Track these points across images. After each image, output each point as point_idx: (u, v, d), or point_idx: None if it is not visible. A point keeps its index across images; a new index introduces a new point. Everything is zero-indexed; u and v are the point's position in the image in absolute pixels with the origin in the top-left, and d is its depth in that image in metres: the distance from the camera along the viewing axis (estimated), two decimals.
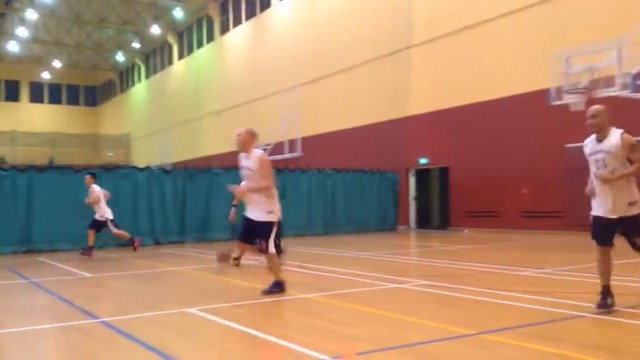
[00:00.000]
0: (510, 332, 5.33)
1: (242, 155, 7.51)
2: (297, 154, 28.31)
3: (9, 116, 53.95)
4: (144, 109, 53.35)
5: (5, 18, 45.48)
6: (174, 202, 17.79)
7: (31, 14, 41.17)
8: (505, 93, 19.81)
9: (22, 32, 44.09)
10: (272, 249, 7.38)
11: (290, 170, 20.91)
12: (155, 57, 50.70)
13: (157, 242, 17.16)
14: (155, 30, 43.51)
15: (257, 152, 7.41)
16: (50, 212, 15.34)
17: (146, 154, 47.23)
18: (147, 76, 52.62)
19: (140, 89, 54.40)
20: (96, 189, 13.63)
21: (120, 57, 52.77)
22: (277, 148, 29.79)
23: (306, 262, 11.66)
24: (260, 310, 6.95)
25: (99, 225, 13.61)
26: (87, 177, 13.95)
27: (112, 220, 13.71)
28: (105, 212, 13.64)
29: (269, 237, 7.34)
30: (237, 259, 11.20)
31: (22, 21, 43.10)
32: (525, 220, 19.12)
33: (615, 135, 6.01)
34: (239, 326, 5.80)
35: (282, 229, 7.64)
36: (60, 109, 59.23)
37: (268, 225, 7.36)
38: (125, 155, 54.35)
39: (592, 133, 6.16)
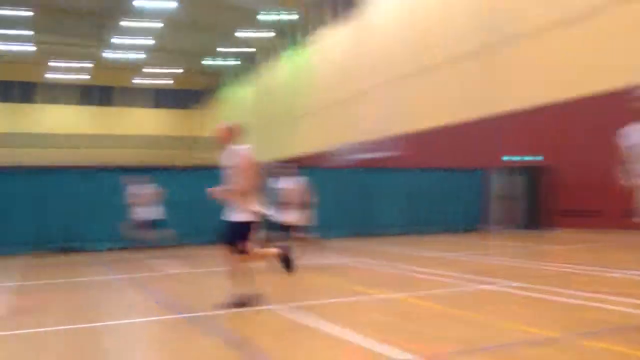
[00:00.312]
0: (600, 336, 5.09)
1: (223, 152, 6.88)
2: (387, 153, 28.28)
3: (120, 119, 59.18)
4: (242, 110, 54.77)
5: (104, 27, 47.68)
6: None
7: (129, 22, 42.98)
8: (604, 87, 18.80)
9: (120, 40, 46.26)
10: (251, 249, 6.78)
11: (377, 170, 20.91)
12: (253, 61, 52.00)
13: None
14: (252, 34, 44.69)
15: (236, 148, 6.75)
16: None
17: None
18: (246, 79, 54.11)
19: (239, 92, 56.14)
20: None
21: (218, 61, 54.47)
22: (368, 147, 29.93)
23: (391, 261, 11.56)
24: (344, 310, 6.92)
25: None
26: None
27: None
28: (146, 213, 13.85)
29: (246, 237, 6.72)
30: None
31: (120, 29, 44.95)
32: (625, 219, 18.07)
33: None
34: (324, 324, 5.80)
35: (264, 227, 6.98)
36: (163, 113, 63.06)
37: (244, 225, 6.71)
38: None
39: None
